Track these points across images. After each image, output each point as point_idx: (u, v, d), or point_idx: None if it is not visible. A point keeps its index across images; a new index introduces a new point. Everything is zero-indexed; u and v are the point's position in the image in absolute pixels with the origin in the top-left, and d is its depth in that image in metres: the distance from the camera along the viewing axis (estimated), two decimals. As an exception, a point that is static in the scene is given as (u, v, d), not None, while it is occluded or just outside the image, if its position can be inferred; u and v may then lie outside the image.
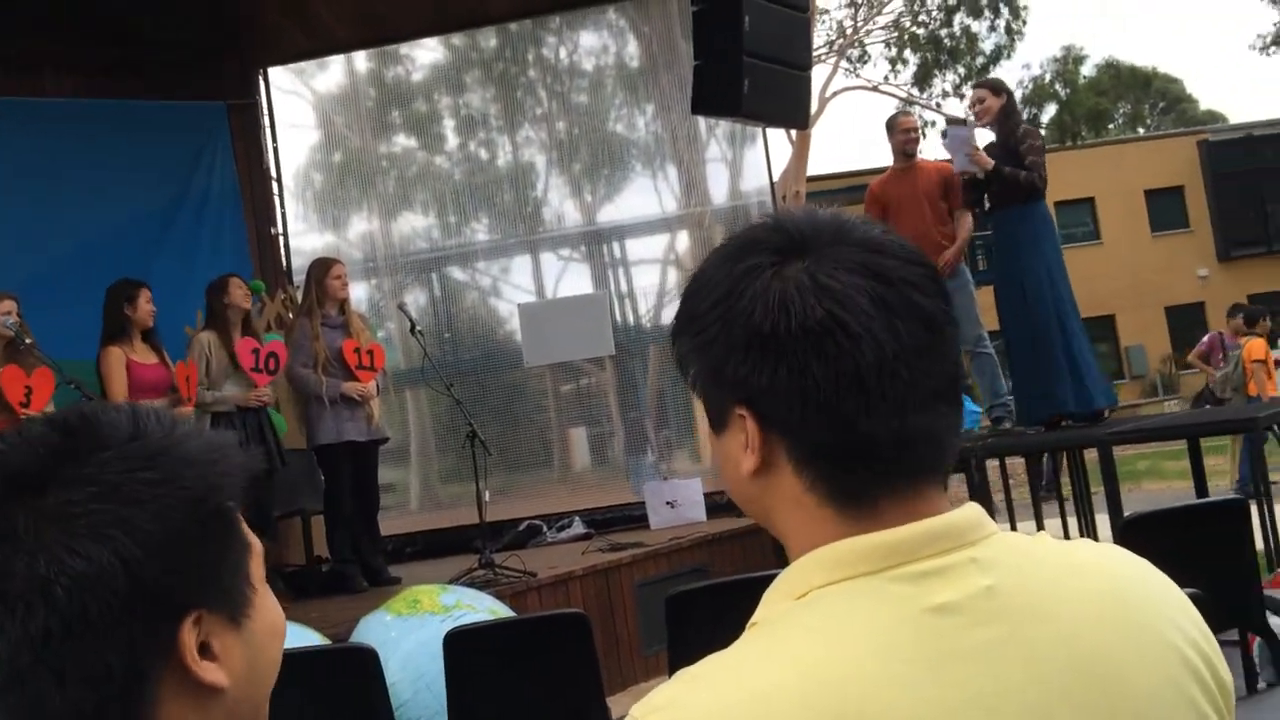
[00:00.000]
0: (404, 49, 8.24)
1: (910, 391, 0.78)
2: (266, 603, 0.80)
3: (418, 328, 5.64)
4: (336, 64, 8.11)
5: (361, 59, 8.18)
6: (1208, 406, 10.51)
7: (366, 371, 5.62)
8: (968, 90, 24.84)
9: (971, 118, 5.83)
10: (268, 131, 7.82)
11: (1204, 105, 45.30)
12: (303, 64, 8.03)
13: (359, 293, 7.90)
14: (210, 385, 5.32)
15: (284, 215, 7.87)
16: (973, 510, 0.81)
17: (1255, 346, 10.06)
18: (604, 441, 8.25)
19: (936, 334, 0.80)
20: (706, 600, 2.84)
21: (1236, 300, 29.70)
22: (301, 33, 7.47)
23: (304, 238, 7.99)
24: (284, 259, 7.80)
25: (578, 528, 6.60)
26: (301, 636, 3.35)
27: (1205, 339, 11.24)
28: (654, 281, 8.46)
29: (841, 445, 0.79)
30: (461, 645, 2.86)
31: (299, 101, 8.14)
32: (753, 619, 0.81)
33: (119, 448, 0.72)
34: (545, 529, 6.66)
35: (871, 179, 6.93)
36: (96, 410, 0.75)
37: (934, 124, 25.39)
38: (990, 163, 5.67)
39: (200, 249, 7.16)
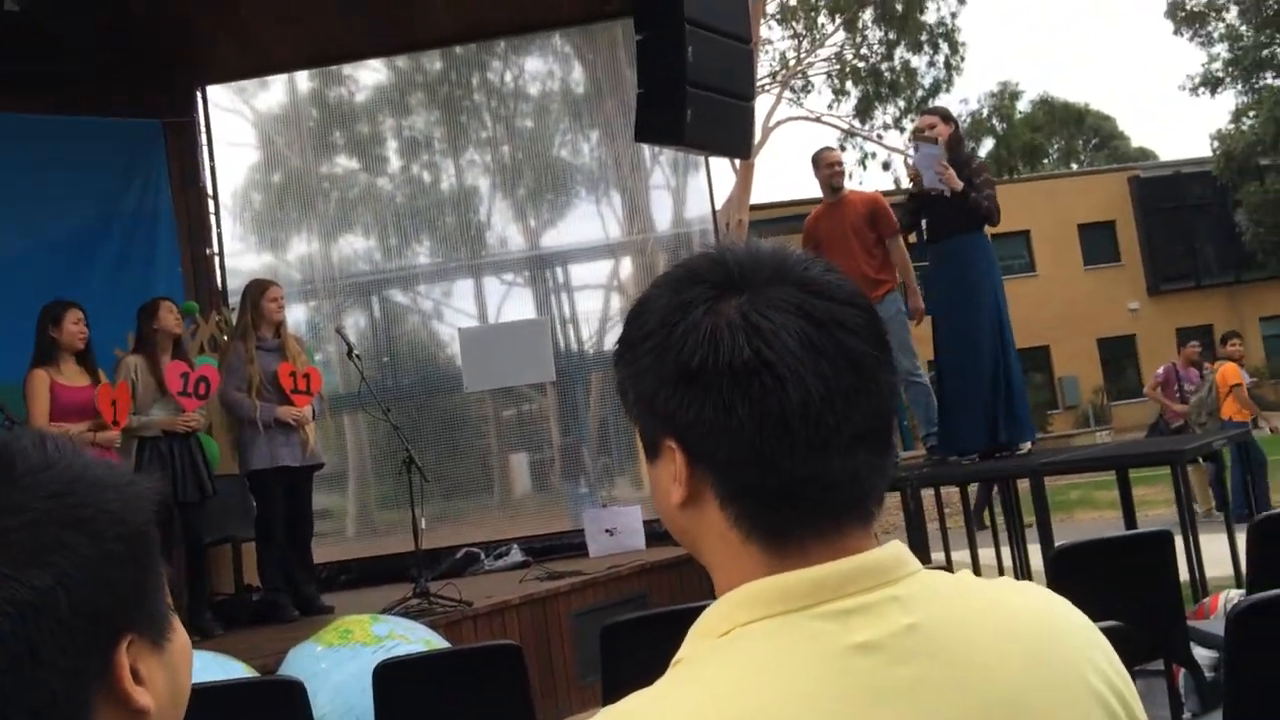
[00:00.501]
0: (347, 69, 8.18)
1: (834, 435, 0.78)
2: (178, 625, 0.80)
3: (355, 351, 5.57)
4: (278, 83, 8.03)
5: (303, 79, 8.11)
6: (1161, 438, 10.73)
7: (302, 396, 5.53)
8: (908, 123, 25.37)
9: (940, 144, 5.81)
10: (205, 150, 7.70)
11: (1135, 143, 46.63)
12: (243, 83, 7.94)
13: (297, 315, 7.79)
14: (136, 410, 5.20)
15: (220, 235, 7.75)
16: (896, 548, 0.82)
17: (1229, 371, 10.26)
18: (544, 468, 8.20)
19: (866, 378, 0.80)
20: (642, 631, 2.82)
21: (1165, 333, 30.34)
22: (241, 52, 7.39)
23: (241, 258, 7.87)
24: (219, 280, 7.67)
25: (516, 555, 6.54)
26: (228, 668, 3.26)
27: (1161, 371, 11.34)
28: (597, 307, 8.46)
29: (765, 485, 0.79)
30: (393, 677, 2.81)
31: (239, 120, 8.04)
32: (676, 656, 0.81)
33: (35, 475, 0.72)
34: (483, 557, 6.58)
35: (813, 208, 6.99)
36: (6, 439, 0.75)
37: (874, 155, 25.86)
38: (959, 184, 5.66)
39: (132, 268, 7.02)
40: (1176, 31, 27.87)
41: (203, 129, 7.72)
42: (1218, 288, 29.59)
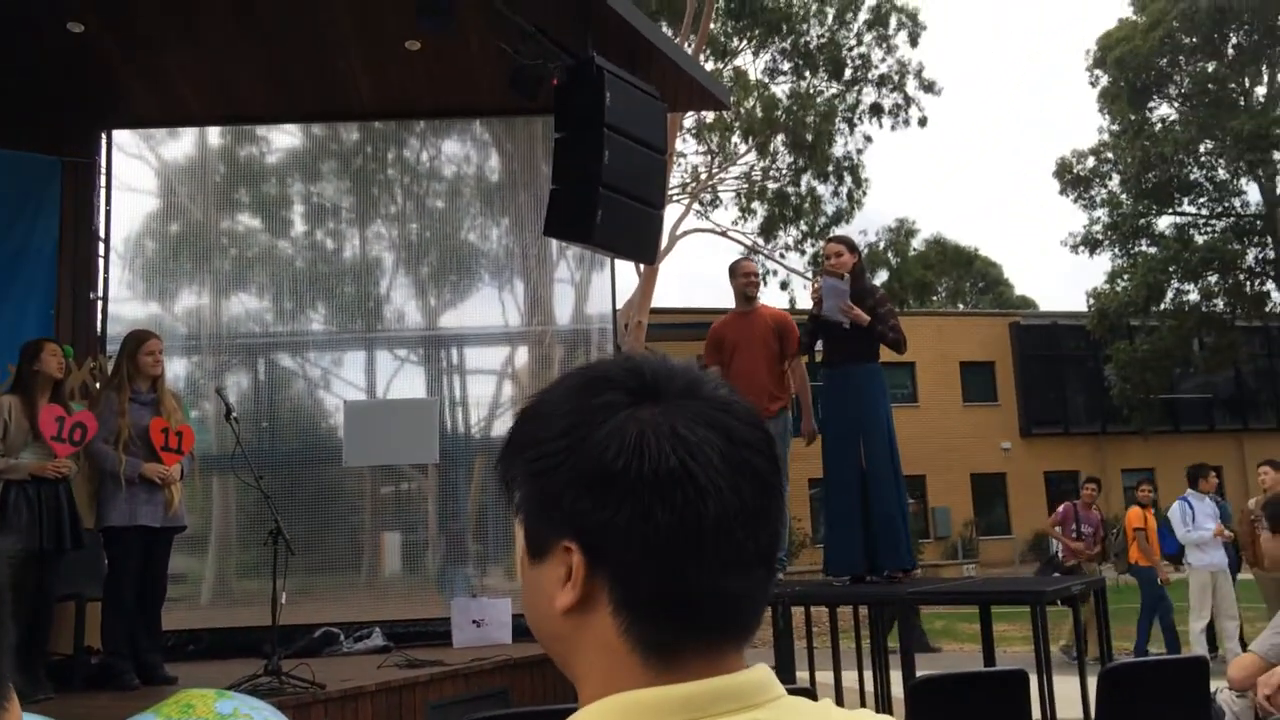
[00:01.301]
0: (261, 130, 8.12)
1: (739, 552, 0.79)
2: (13, 694, 0.76)
3: (234, 414, 5.40)
4: (188, 135, 7.92)
5: (215, 134, 8.01)
6: (1055, 574, 10.98)
7: (172, 454, 5.33)
8: (809, 245, 26.24)
9: (845, 279, 5.99)
10: (102, 193, 7.51)
11: (1018, 290, 49.07)
12: (153, 130, 7.81)
13: (178, 369, 7.55)
14: (6, 451, 4.95)
15: (107, 280, 7.51)
16: (762, 672, 0.83)
17: (1133, 515, 10.69)
18: (417, 550, 8.02)
19: (771, 499, 0.82)
20: (500, 730, 2.75)
21: (1034, 474, 31.33)
22: (157, 99, 7.28)
23: (126, 305, 7.63)
24: (100, 325, 7.41)
25: (377, 639, 6.34)
26: (54, 736, 3.05)
27: (1060, 509, 11.64)
28: (489, 392, 8.41)
29: (667, 595, 0.79)
30: (232, 759, 2.66)
31: (142, 167, 7.87)
32: None
33: None
34: (342, 638, 6.36)
35: (713, 318, 7.13)
36: None
37: (775, 273, 26.58)
38: (866, 318, 5.84)
39: (10, 304, 6.74)
40: (1063, 191, 29.59)
41: (103, 171, 7.53)
42: (1085, 436, 30.96)
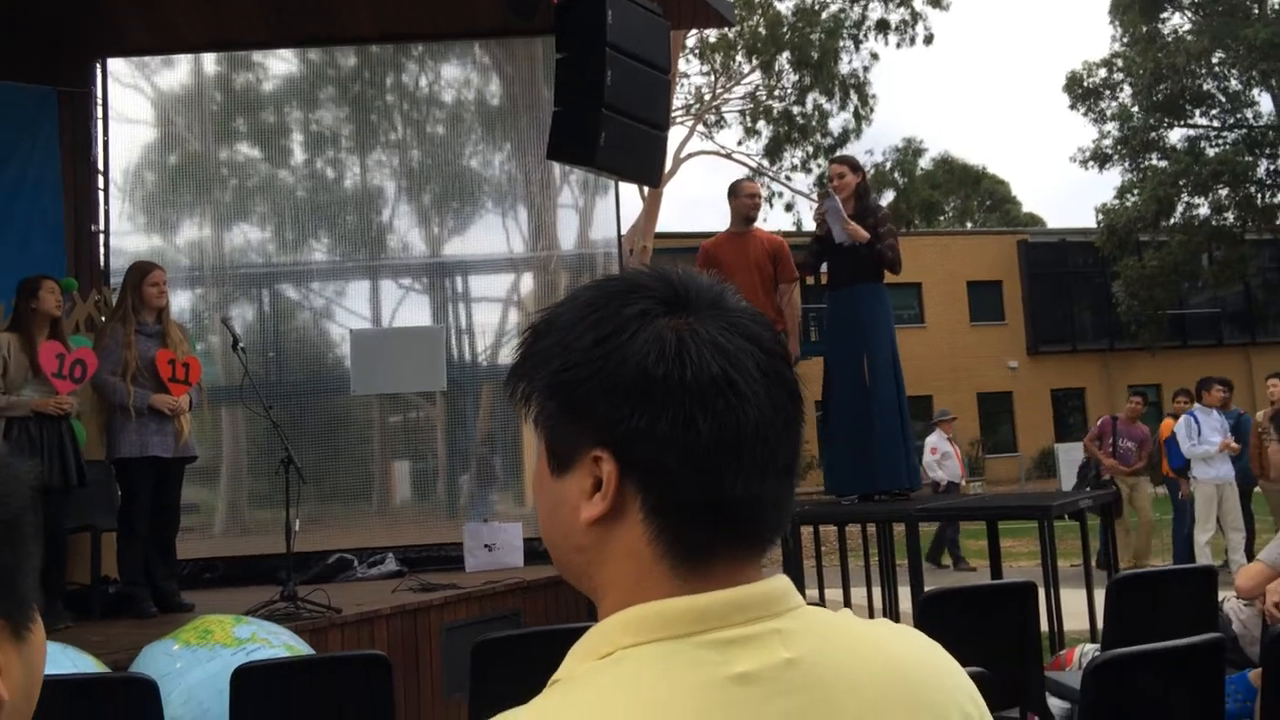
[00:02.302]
0: (257, 57, 7.99)
1: (772, 459, 0.80)
2: (39, 617, 0.77)
3: (240, 344, 5.40)
4: (183, 63, 7.80)
5: (210, 61, 7.89)
6: (1088, 489, 10.95)
7: (179, 385, 5.34)
8: (815, 166, 25.96)
9: (833, 197, 5.95)
10: (99, 124, 7.42)
11: (1026, 208, 48.60)
12: (147, 58, 7.68)
13: (182, 301, 7.55)
14: (6, 389, 4.96)
15: (108, 212, 7.46)
16: (782, 582, 0.82)
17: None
18: (427, 477, 8.08)
19: (799, 407, 0.84)
20: (514, 650, 2.79)
21: (1041, 392, 31.31)
22: (150, 27, 7.16)
23: (128, 238, 7.59)
24: (103, 258, 7.38)
25: (390, 564, 6.42)
26: (77, 662, 3.10)
27: (1099, 422, 11.47)
28: (494, 320, 8.40)
29: (702, 501, 0.79)
30: (251, 682, 2.71)
31: (138, 97, 7.77)
32: (555, 676, 0.80)
33: None
34: (356, 564, 6.44)
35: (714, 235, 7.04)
36: None
37: (781, 195, 26.34)
38: (865, 235, 5.81)
39: (10, 238, 6.70)
40: (1073, 106, 29.12)
41: (99, 102, 7.43)
42: (1092, 353, 30.94)
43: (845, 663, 0.80)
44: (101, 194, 7.44)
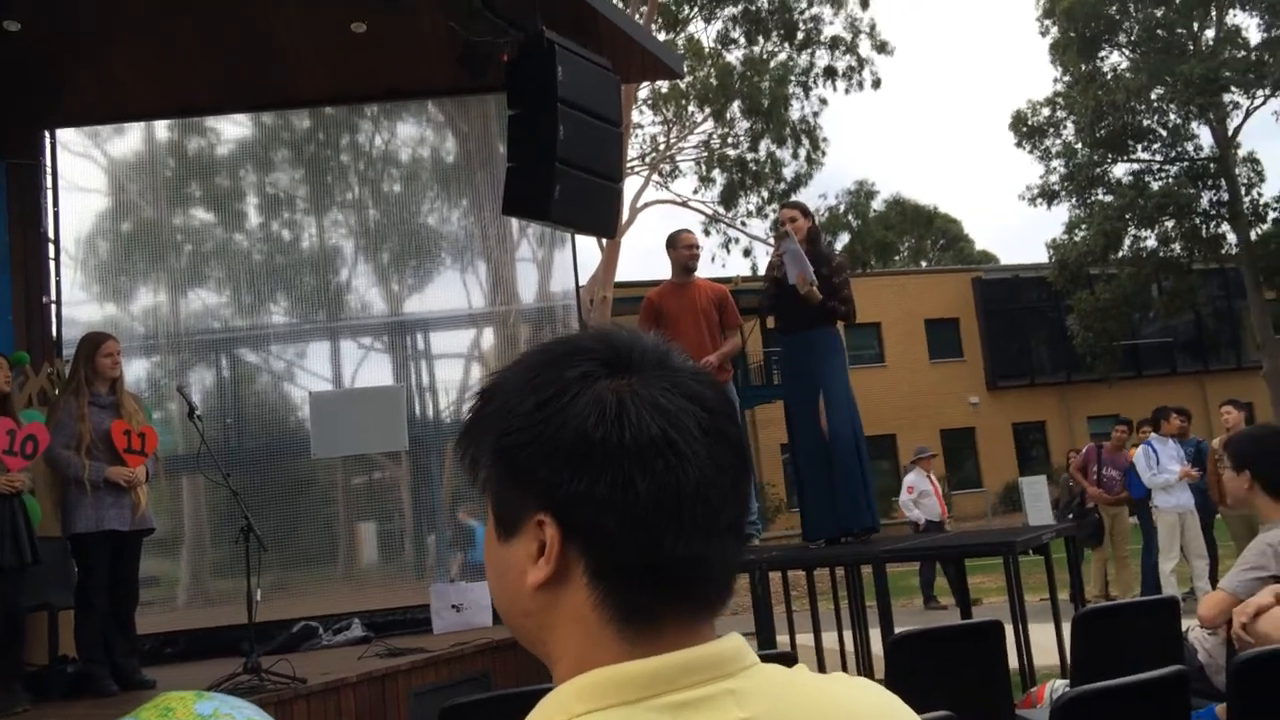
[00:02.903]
0: (209, 121, 7.98)
1: (714, 519, 0.80)
2: None
3: (196, 412, 5.33)
4: (135, 130, 7.78)
5: (162, 127, 7.87)
6: (1070, 516, 10.89)
7: (136, 456, 5.26)
8: (770, 211, 26.22)
9: (792, 238, 6.01)
10: (49, 194, 7.36)
11: (979, 245, 49.42)
12: (97, 127, 7.66)
13: (139, 370, 7.46)
14: (-46, 466, 4.85)
15: (59, 283, 7.38)
16: (734, 641, 0.82)
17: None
18: (393, 539, 7.99)
19: (743, 466, 0.83)
20: (482, 714, 2.74)
21: (1002, 426, 31.50)
22: (99, 96, 7.13)
23: (82, 308, 7.50)
24: (55, 329, 7.28)
25: (356, 630, 6.31)
26: (31, 747, 3.00)
27: (1084, 450, 11.42)
28: (457, 376, 8.37)
29: (642, 563, 0.78)
30: (214, 760, 2.64)
31: (90, 165, 7.73)
32: None
33: None
34: (321, 631, 6.33)
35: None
36: None
37: (737, 240, 26.58)
38: (818, 298, 5.90)
39: (-42, 312, 6.61)
40: (1019, 144, 29.74)
41: (48, 172, 7.38)
42: (1050, 386, 31.34)
43: None
44: (53, 264, 7.36)
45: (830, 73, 25.75)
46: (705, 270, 6.58)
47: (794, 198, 25.42)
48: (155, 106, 7.44)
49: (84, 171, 7.66)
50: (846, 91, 26.13)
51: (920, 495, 12.25)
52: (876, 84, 25.92)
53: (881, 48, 25.99)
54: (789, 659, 1.06)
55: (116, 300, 7.70)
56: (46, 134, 7.41)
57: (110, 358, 5.32)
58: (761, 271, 23.58)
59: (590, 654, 0.80)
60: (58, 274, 7.38)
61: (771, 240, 6.65)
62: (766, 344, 26.76)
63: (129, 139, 7.81)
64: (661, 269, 6.65)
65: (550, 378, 0.81)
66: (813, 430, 5.90)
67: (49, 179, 7.39)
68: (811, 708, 0.81)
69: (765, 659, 0.84)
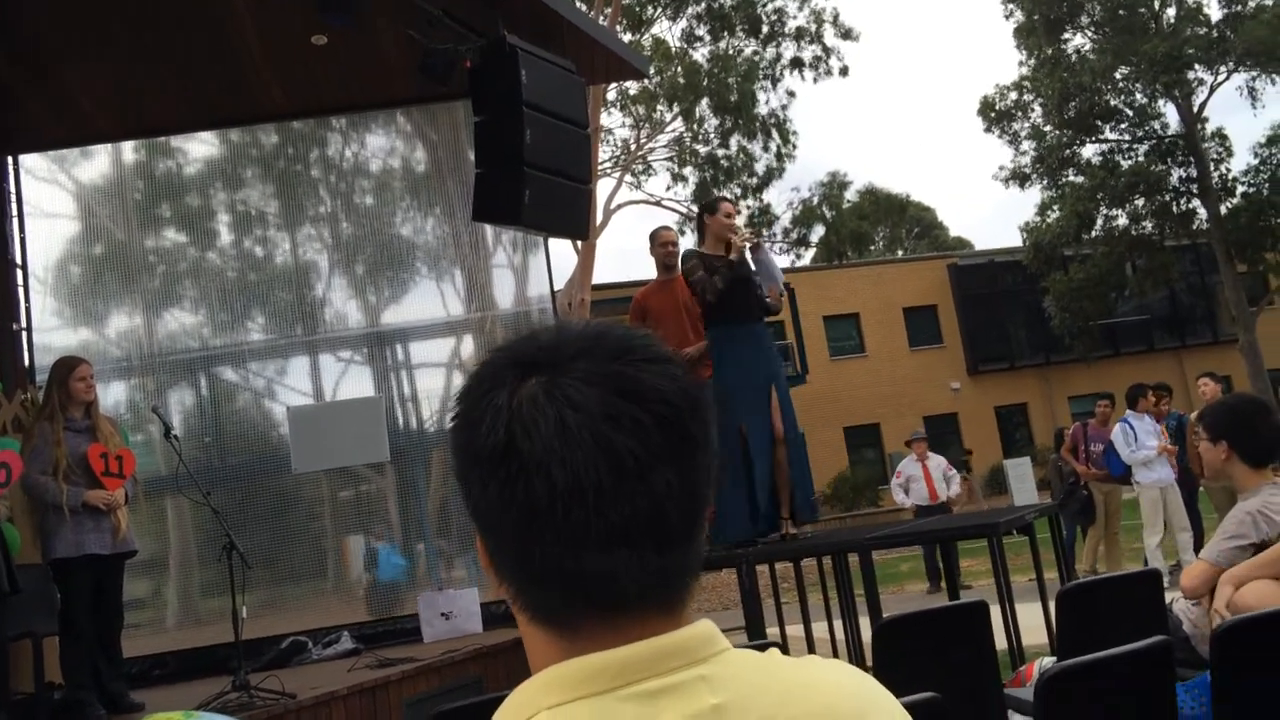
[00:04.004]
0: (176, 141, 7.94)
1: (585, 530, 0.76)
2: None
3: (173, 432, 5.30)
4: (101, 153, 7.73)
5: (129, 149, 7.82)
6: (1062, 497, 10.85)
7: (114, 479, 5.22)
8: (744, 206, 26.28)
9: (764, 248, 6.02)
10: (15, 221, 7.30)
11: (953, 232, 49.58)
12: (63, 151, 7.60)
13: (117, 393, 7.42)
14: (-71, 496, 4.81)
15: (29, 309, 7.32)
16: (705, 627, 0.82)
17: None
18: (382, 550, 7.97)
19: (629, 475, 0.76)
20: (474, 718, 2.74)
21: (985, 411, 31.60)
22: (61, 120, 7.07)
23: (54, 334, 7.44)
24: (27, 356, 7.22)
25: (346, 643, 6.29)
26: (19, 777, 2.98)
27: (1071, 430, 11.35)
28: (438, 385, 8.36)
29: (524, 571, 0.80)
30: (204, 779, 2.63)
31: (56, 190, 7.67)
32: None
33: None
34: (311, 645, 6.30)
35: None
36: None
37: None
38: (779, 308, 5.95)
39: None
40: (988, 129, 29.88)
41: (14, 199, 7.33)
42: (1030, 369, 31.51)
43: (772, 704, 0.79)
44: (22, 290, 7.30)
45: (797, 63, 25.87)
46: (681, 266, 6.54)
47: (766, 192, 25.51)
48: (119, 127, 7.39)
49: (51, 197, 7.61)
50: (815, 81, 26.29)
51: (908, 480, 12.32)
52: (844, 71, 26.07)
53: (846, 34, 26.15)
54: (764, 647, 1.06)
55: (90, 324, 7.65)
56: (9, 160, 7.35)
57: (84, 381, 5.29)
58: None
59: (538, 652, 0.81)
60: (27, 300, 7.31)
61: (748, 235, 6.49)
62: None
63: (96, 163, 7.77)
64: (638, 269, 6.68)
65: (472, 387, 0.83)
66: (767, 424, 5.65)
67: (14, 205, 7.33)
68: (783, 690, 0.81)
69: (747, 649, 0.84)
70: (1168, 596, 3.69)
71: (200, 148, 8.08)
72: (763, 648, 0.95)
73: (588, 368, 0.79)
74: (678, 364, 0.82)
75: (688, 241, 26.07)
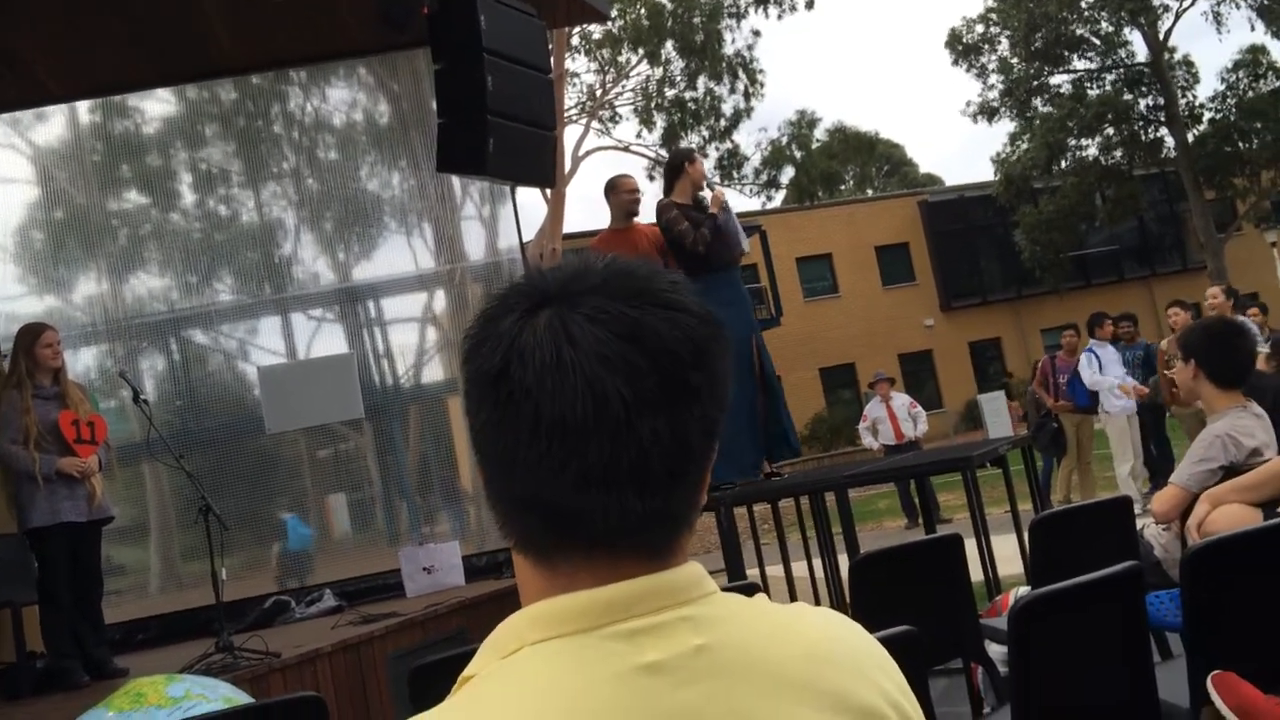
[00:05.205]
0: (132, 100, 7.76)
1: (562, 467, 0.76)
2: None
3: (142, 396, 5.26)
4: (57, 115, 7.55)
5: (85, 110, 7.64)
6: (1037, 430, 10.94)
7: (86, 445, 5.18)
8: (713, 149, 26.12)
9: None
10: (-29, 188, 7.16)
11: (924, 169, 49.53)
12: (17, 114, 7.43)
13: (86, 359, 7.34)
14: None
15: (-10, 278, 7.20)
16: (692, 569, 0.82)
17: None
18: (365, 507, 7.97)
19: (616, 419, 0.75)
20: (454, 671, 2.76)
21: (959, 346, 31.82)
22: (9, 83, 6.89)
23: (20, 301, 7.34)
24: (-9, 326, 7.12)
25: (329, 601, 6.30)
26: (5, 745, 2.98)
27: (1039, 363, 11.39)
28: (412, 340, 8.32)
29: (506, 498, 0.81)
30: (188, 740, 2.64)
31: (13, 155, 7.51)
32: (465, 672, 0.80)
33: None
34: (294, 604, 6.31)
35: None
36: None
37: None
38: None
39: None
40: (955, 63, 29.74)
41: (-32, 165, 7.17)
42: (1003, 303, 31.69)
43: (757, 647, 0.80)
44: (-17, 259, 7.18)
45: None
46: (650, 214, 6.49)
47: (736, 133, 25.33)
48: (71, 89, 7.21)
49: (7, 162, 7.46)
50: (779, 17, 25.90)
51: (875, 422, 12.41)
52: (810, 4, 25.69)
53: (810, -33, 25.74)
54: (751, 589, 1.06)
55: (55, 291, 7.55)
56: (-38, 125, 7.19)
57: (50, 348, 5.22)
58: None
59: (528, 585, 0.82)
60: (-12, 269, 7.20)
61: (717, 181, 6.45)
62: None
63: (52, 126, 7.60)
64: (608, 216, 6.57)
65: (485, 311, 0.83)
66: (750, 367, 5.79)
67: (-31, 172, 7.18)
68: (768, 634, 0.81)
69: (729, 591, 0.84)
70: (1139, 523, 3.75)
71: (158, 106, 7.92)
72: (746, 590, 0.95)
73: (596, 305, 0.78)
74: (694, 313, 0.81)
75: (656, 187, 25.94)
